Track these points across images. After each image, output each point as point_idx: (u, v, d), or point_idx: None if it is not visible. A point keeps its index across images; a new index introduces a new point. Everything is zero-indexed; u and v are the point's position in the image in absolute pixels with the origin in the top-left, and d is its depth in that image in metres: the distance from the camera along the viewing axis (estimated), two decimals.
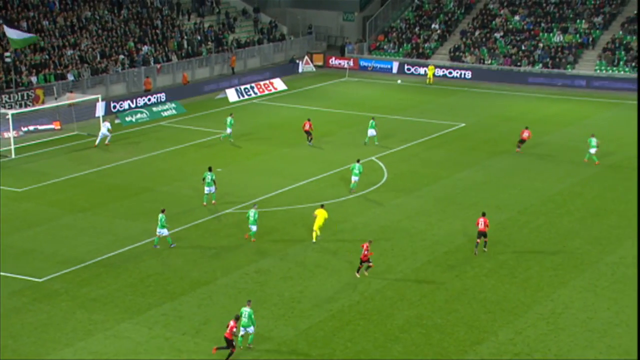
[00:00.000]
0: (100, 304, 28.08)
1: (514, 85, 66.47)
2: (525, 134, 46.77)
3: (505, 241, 33.65)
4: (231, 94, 61.34)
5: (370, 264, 30.09)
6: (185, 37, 68.41)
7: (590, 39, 69.46)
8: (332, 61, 74.35)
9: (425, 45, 73.49)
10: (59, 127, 51.63)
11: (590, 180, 41.87)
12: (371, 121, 48.02)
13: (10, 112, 47.62)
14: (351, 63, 72.70)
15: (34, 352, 25.03)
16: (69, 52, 59.42)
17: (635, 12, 70.26)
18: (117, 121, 53.00)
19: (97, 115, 52.45)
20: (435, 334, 26.22)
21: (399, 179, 41.98)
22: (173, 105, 57.30)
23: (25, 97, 53.03)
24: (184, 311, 27.58)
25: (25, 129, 50.31)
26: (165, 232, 32.58)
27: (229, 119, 48.78)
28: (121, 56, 61.80)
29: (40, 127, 51.09)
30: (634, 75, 64.74)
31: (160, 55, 64.37)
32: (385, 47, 74.77)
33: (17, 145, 46.70)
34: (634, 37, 67.77)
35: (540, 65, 68.08)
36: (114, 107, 55.67)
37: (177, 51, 66.20)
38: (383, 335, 26.16)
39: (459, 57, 71.10)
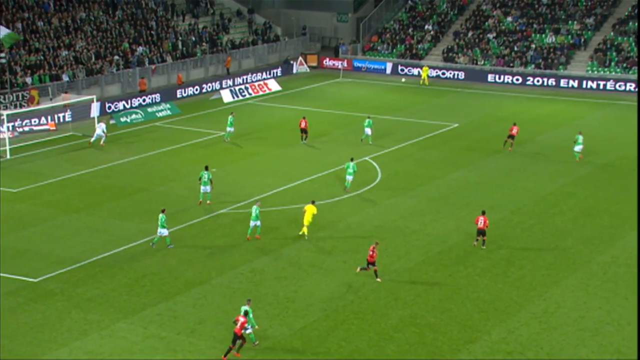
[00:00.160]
0: (95, 303, 28.20)
1: (506, 86, 66.85)
2: (514, 130, 47.17)
3: (499, 241, 33.87)
4: (226, 95, 61.48)
5: (374, 267, 30.15)
6: (180, 38, 68.52)
7: (582, 40, 69.80)
8: (326, 62, 74.54)
9: (419, 46, 73.73)
10: (54, 127, 51.71)
11: (583, 180, 42.15)
12: (368, 120, 48.40)
13: (5, 112, 47.70)
14: (345, 64, 72.89)
15: (29, 352, 25.12)
16: (64, 53, 59.49)
17: (627, 13, 70.70)
18: (112, 122, 53.09)
19: (92, 115, 52.52)
20: (428, 333, 26.40)
21: (393, 179, 42.20)
22: (168, 105, 57.40)
23: (20, 98, 53.09)
24: (179, 311, 27.71)
25: (21, 129, 50.37)
26: (165, 232, 32.72)
27: (230, 118, 49.01)
28: (116, 57, 61.90)
29: (35, 128, 51.16)
30: (625, 76, 65.15)
31: (155, 56, 64.47)
32: (378, 48, 74.98)
33: (12, 146, 46.75)
34: (625, 38, 68.16)
35: (533, 66, 68.41)
36: (109, 107, 55.76)
37: (172, 52, 66.30)
38: (377, 334, 26.33)
39: (452, 58, 71.37)
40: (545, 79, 66.38)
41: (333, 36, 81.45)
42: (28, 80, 55.25)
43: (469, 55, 70.98)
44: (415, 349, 25.48)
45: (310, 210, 34.00)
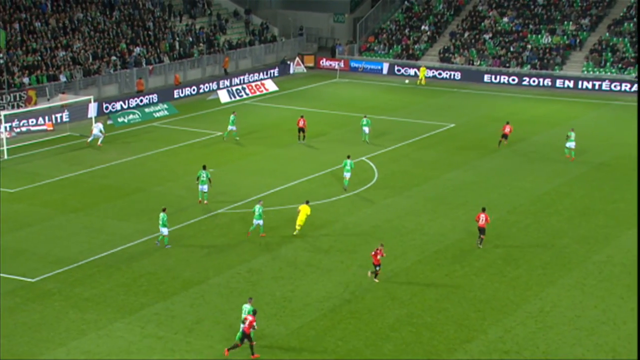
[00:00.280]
0: (93, 303, 28.27)
1: (502, 87, 67.02)
2: (507, 129, 47.41)
3: (495, 240, 34.00)
4: (223, 95, 61.57)
5: (378, 269, 30.15)
6: (177, 38, 68.58)
7: (578, 40, 70.01)
8: (322, 62, 74.66)
9: (415, 46, 73.89)
10: (51, 128, 51.76)
11: (578, 180, 42.31)
12: (366, 119, 48.63)
13: (2, 113, 47.75)
14: (342, 64, 72.99)
15: (27, 352, 25.19)
16: (61, 53, 59.52)
17: (622, 14, 70.92)
18: (109, 122, 53.15)
19: (89, 116, 52.58)
20: (425, 333, 26.52)
21: (390, 179, 42.33)
22: (165, 106, 57.48)
23: (18, 98, 53.13)
24: (177, 310, 27.80)
25: (18, 129, 50.42)
26: (165, 231, 32.81)
27: (231, 117, 49.15)
28: (113, 57, 61.94)
29: (32, 128, 51.21)
30: (621, 76, 65.38)
31: (152, 57, 64.54)
32: (375, 48, 75.12)
33: (10, 146, 46.80)
34: (620, 39, 68.38)
35: (529, 66, 68.59)
36: (106, 108, 55.82)
37: (169, 52, 66.37)
38: (374, 333, 26.44)
39: (448, 59, 71.52)
40: (541, 80, 66.56)
41: (330, 37, 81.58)
42: (25, 80, 55.29)
43: (465, 56, 71.14)
44: (412, 348, 25.59)
45: (304, 210, 34.19)
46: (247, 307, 25.35)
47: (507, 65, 69.17)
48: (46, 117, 51.99)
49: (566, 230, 35.42)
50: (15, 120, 50.31)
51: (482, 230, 33.20)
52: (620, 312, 27.98)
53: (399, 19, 77.77)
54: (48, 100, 54.05)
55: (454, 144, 49.26)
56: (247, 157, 46.48)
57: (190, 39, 69.21)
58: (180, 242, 33.71)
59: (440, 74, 69.46)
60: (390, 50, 74.23)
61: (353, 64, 73.30)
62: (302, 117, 49.22)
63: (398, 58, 73.02)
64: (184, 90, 62.39)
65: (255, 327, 24.74)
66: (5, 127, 48.04)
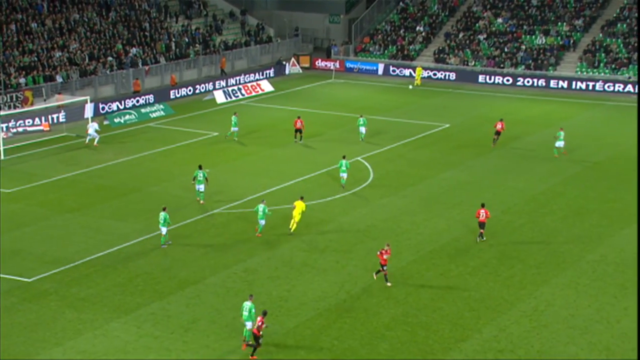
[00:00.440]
0: (89, 303, 28.34)
1: (498, 87, 67.25)
2: (499, 126, 47.64)
3: (489, 240, 34.16)
4: (219, 96, 61.68)
5: (384, 270, 30.09)
6: (173, 39, 68.68)
7: (572, 41, 70.27)
8: (318, 63, 74.80)
9: (410, 47, 74.08)
10: (47, 128, 51.83)
11: (572, 180, 42.52)
12: (362, 119, 48.88)
13: None
14: (337, 65, 73.16)
15: (23, 352, 25.25)
16: (58, 54, 59.58)
17: (615, 15, 71.21)
18: (105, 122, 53.21)
19: (85, 116, 52.64)
20: (420, 332, 26.66)
21: (385, 179, 42.49)
22: (161, 106, 57.57)
23: (14, 99, 53.18)
24: (173, 310, 27.89)
25: (14, 130, 50.47)
26: (164, 230, 32.93)
27: (233, 118, 49.29)
28: (110, 58, 62.01)
29: (29, 129, 51.26)
30: (614, 76, 65.69)
31: (149, 57, 64.62)
32: (370, 49, 75.29)
33: (6, 147, 46.85)
34: (614, 40, 68.67)
35: (523, 67, 68.83)
36: (103, 108, 55.88)
37: (165, 53, 66.46)
38: (369, 333, 26.57)
39: (443, 59, 71.73)
40: (535, 80, 66.81)
41: (325, 37, 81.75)
42: (22, 81, 55.34)
43: (460, 56, 71.37)
44: (407, 348, 25.73)
45: (299, 206, 34.41)
46: (247, 304, 25.47)
47: (502, 65, 69.41)
48: (43, 118, 52.05)
49: (560, 230, 35.61)
50: (12, 120, 50.37)
51: (482, 225, 33.48)
52: (613, 310, 28.17)
53: (394, 20, 77.96)
54: (44, 100, 54.12)
55: (449, 144, 49.44)
56: (243, 157, 46.60)
57: (186, 40, 69.30)
58: (176, 241, 33.79)
59: (435, 74, 69.66)
60: (386, 51, 74.42)
61: (348, 65, 73.46)
62: (299, 117, 49.42)
63: (393, 59, 73.21)
64: (180, 90, 62.48)
65: (266, 326, 24.81)
66: (2, 128, 48.11)
